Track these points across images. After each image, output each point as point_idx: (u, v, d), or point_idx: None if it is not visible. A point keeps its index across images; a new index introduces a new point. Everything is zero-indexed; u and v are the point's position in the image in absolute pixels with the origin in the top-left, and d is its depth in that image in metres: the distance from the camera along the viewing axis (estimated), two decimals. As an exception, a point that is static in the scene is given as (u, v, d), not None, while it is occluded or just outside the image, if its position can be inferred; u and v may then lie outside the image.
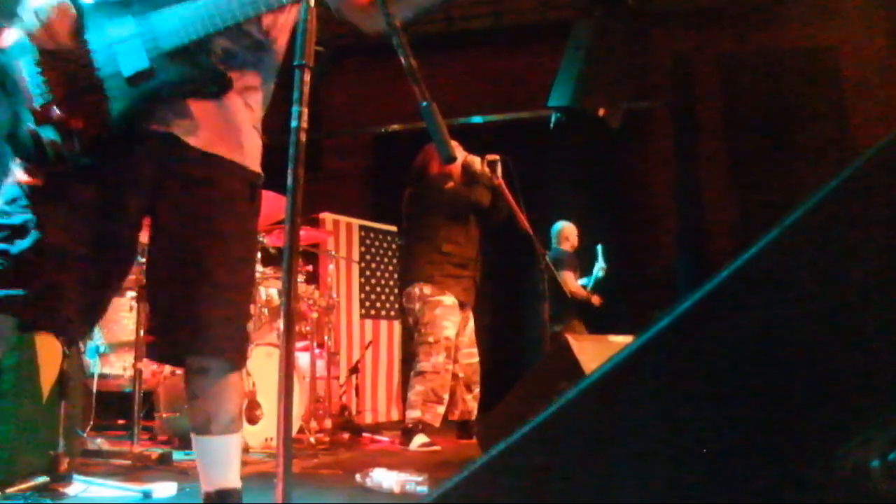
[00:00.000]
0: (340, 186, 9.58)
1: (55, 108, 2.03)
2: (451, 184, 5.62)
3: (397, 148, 8.64)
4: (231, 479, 2.22)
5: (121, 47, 2.05)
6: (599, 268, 7.83)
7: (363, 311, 8.09)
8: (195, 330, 2.15)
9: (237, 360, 2.27)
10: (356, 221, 8.22)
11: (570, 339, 3.87)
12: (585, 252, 7.89)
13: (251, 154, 2.29)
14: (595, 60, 7.25)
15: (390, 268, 8.47)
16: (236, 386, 2.29)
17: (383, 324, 8.29)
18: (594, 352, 3.80)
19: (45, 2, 2.00)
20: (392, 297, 8.42)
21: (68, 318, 2.10)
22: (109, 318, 5.11)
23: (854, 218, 0.94)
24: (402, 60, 1.89)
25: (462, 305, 5.58)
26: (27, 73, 2.06)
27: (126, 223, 2.19)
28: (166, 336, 2.22)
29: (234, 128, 2.24)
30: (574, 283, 7.48)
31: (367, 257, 8.28)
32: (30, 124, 2.04)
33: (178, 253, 2.16)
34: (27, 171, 2.08)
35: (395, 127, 9.48)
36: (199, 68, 2.10)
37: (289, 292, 1.57)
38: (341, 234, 7.99)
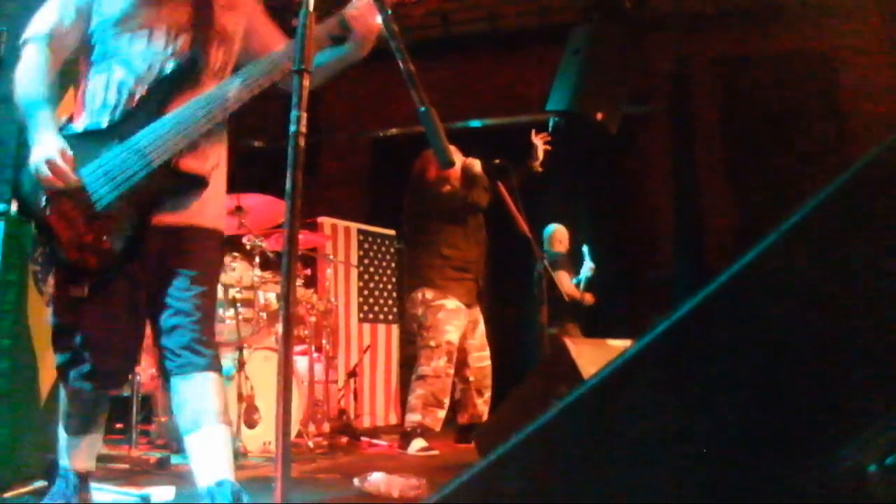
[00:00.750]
0: (339, 190, 9.58)
1: (82, 236, 2.48)
2: (448, 187, 5.63)
3: (395, 152, 8.64)
4: (227, 470, 2.54)
5: (115, 172, 2.49)
6: (588, 268, 7.82)
7: (361, 314, 8.08)
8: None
9: (215, 363, 2.66)
10: (354, 225, 8.22)
11: (568, 342, 3.88)
12: (574, 253, 7.90)
13: (220, 216, 2.82)
14: (593, 65, 7.25)
15: (388, 272, 8.47)
16: (219, 384, 2.66)
17: (381, 327, 8.28)
18: (592, 356, 3.80)
19: (50, 147, 2.43)
20: (390, 301, 8.41)
21: (123, 372, 2.81)
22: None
23: (851, 223, 0.94)
24: (401, 65, 1.90)
25: (468, 307, 5.57)
26: (49, 210, 2.49)
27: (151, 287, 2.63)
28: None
29: (207, 205, 2.69)
30: (569, 285, 7.49)
31: (366, 261, 8.27)
32: (67, 252, 2.49)
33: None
34: (71, 287, 2.52)
35: (394, 131, 9.49)
36: (181, 177, 2.58)
37: (287, 297, 1.57)
38: (339, 238, 7.99)
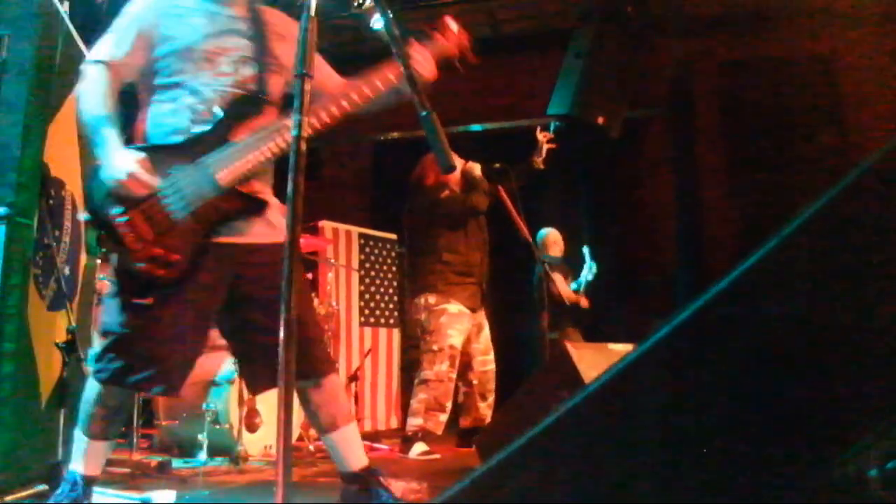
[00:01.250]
0: (340, 194, 9.59)
1: (151, 247, 2.61)
2: (447, 192, 5.63)
3: (396, 155, 8.64)
4: (364, 457, 2.97)
5: (187, 190, 2.66)
6: (588, 269, 7.80)
7: (362, 318, 8.08)
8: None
9: (336, 368, 3.00)
10: (356, 229, 8.22)
11: (570, 347, 3.88)
12: (573, 255, 7.88)
13: (280, 226, 2.84)
14: (594, 69, 7.27)
15: (389, 276, 8.47)
16: (341, 384, 3.04)
17: (382, 331, 8.29)
18: (593, 360, 3.81)
19: (128, 160, 2.58)
20: (391, 305, 8.42)
21: (181, 378, 2.79)
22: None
23: (849, 229, 0.94)
24: (402, 69, 1.91)
25: (472, 311, 5.56)
26: (121, 221, 2.61)
27: (211, 308, 2.81)
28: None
29: (266, 219, 2.87)
30: (565, 288, 7.46)
31: (367, 265, 8.28)
32: (134, 263, 2.62)
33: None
34: (137, 294, 2.66)
35: (395, 135, 9.50)
36: (246, 199, 2.78)
37: (288, 301, 1.57)
38: (341, 242, 8.00)
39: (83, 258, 4.16)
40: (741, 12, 8.84)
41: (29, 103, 3.17)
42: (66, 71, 3.54)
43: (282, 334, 1.60)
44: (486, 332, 5.71)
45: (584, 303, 7.57)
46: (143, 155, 2.63)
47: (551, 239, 7.69)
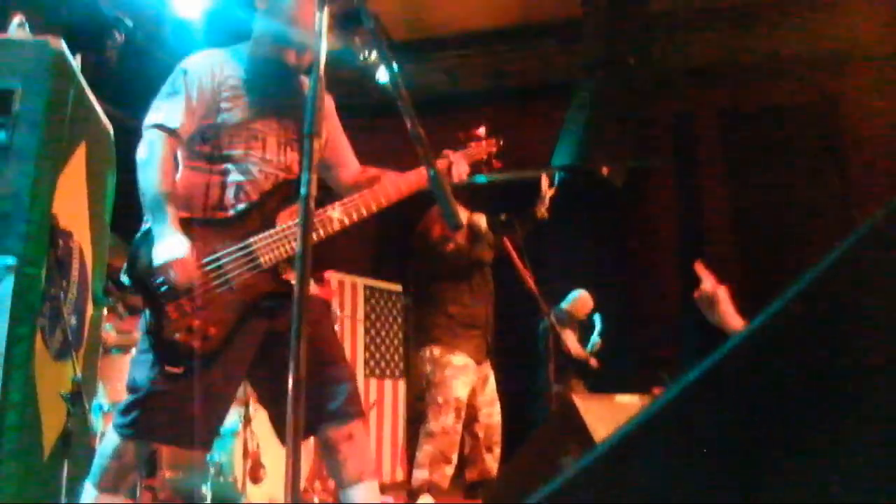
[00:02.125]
0: (345, 245, 9.60)
1: (190, 319, 2.67)
2: (452, 245, 5.64)
3: (402, 206, 8.67)
4: None
5: (229, 268, 2.77)
6: (595, 340, 7.83)
7: (368, 370, 8.06)
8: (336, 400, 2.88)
9: (365, 416, 3.01)
10: (361, 280, 8.23)
11: (576, 399, 3.86)
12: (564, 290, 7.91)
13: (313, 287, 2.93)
14: (598, 119, 7.33)
15: (395, 327, 8.46)
16: (368, 435, 3.04)
17: (388, 383, 8.25)
18: (601, 412, 3.78)
19: (180, 246, 2.68)
20: (397, 357, 8.39)
21: (210, 438, 2.90)
22: (113, 376, 5.10)
23: (860, 286, 0.94)
24: (408, 123, 1.93)
25: (478, 363, 5.54)
26: (163, 290, 2.70)
27: (243, 369, 2.90)
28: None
29: None
30: (574, 343, 7.47)
31: (372, 316, 8.27)
32: (174, 333, 2.67)
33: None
34: (170, 360, 2.71)
35: (400, 186, 9.54)
36: (284, 284, 2.86)
37: (297, 358, 1.58)
38: (346, 293, 8.00)
39: (89, 309, 4.16)
40: (743, 60, 8.92)
41: (39, 155, 3.19)
42: (76, 123, 3.57)
43: (290, 386, 1.60)
44: (492, 383, 5.68)
45: (592, 362, 7.57)
46: (189, 245, 2.71)
47: (581, 300, 7.75)
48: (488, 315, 5.68)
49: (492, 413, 5.61)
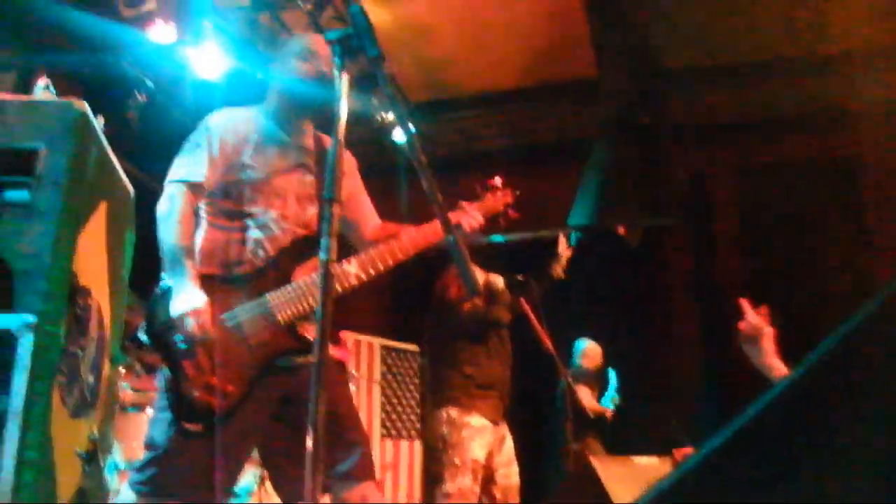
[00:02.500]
0: (361, 305, 9.60)
1: (208, 377, 2.70)
2: (469, 306, 5.64)
3: (418, 266, 8.68)
4: None
5: (246, 325, 2.78)
6: (613, 395, 7.77)
7: (384, 431, 8.00)
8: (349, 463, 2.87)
9: (378, 479, 3.01)
10: (377, 340, 8.21)
11: (594, 461, 3.83)
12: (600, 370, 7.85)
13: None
14: (614, 179, 7.36)
15: (411, 387, 8.42)
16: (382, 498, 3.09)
17: (404, 444, 8.19)
18: (618, 474, 3.76)
19: (197, 300, 2.72)
20: (413, 417, 8.34)
21: (223, 494, 2.84)
22: (129, 434, 5.10)
23: (871, 360, 0.94)
24: (424, 183, 1.95)
25: (494, 424, 5.50)
26: (180, 347, 2.74)
27: (258, 429, 2.90)
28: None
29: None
30: (590, 400, 7.42)
31: (388, 377, 8.24)
32: (192, 390, 2.70)
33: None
34: (187, 417, 2.74)
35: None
36: (301, 340, 2.85)
37: (315, 422, 1.58)
38: (362, 354, 7.98)
39: (107, 367, 4.17)
40: (757, 116, 8.96)
41: (61, 214, 3.23)
42: (97, 182, 3.62)
43: (309, 444, 1.60)
44: (509, 444, 5.63)
45: (608, 414, 7.51)
46: (206, 300, 2.75)
47: (588, 352, 7.70)
48: (505, 375, 5.65)
49: (509, 474, 5.55)
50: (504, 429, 5.62)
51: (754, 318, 2.78)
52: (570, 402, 5.64)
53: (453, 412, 5.43)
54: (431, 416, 5.76)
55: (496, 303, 5.57)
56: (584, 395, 7.29)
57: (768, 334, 2.75)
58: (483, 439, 5.39)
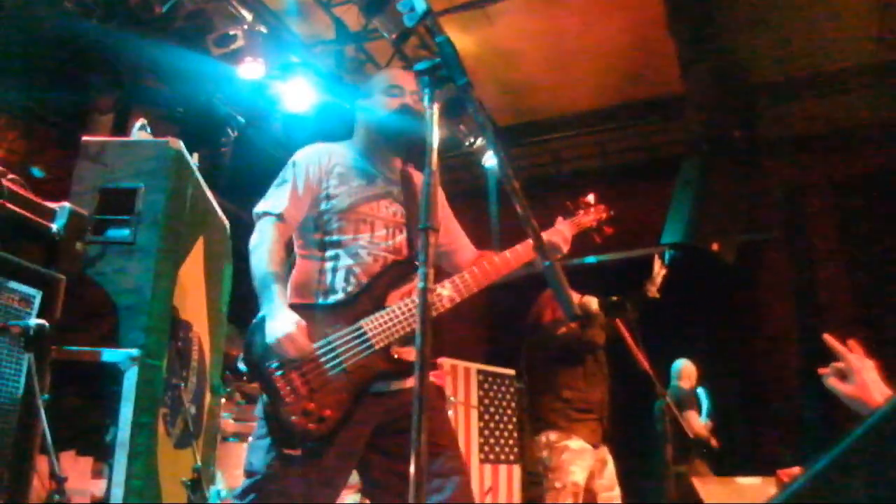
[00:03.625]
0: (458, 330, 9.64)
1: (306, 402, 2.72)
2: (564, 329, 5.60)
3: (512, 291, 8.67)
4: None
5: (341, 350, 2.78)
6: (705, 420, 7.62)
7: (482, 455, 7.98)
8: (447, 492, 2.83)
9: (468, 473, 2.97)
10: (474, 366, 8.21)
11: (696, 482, 3.76)
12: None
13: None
14: (705, 195, 7.24)
15: (509, 412, 8.38)
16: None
17: (503, 468, 8.15)
18: (721, 495, 3.68)
19: (289, 322, 2.71)
20: (511, 441, 8.29)
21: None
22: (230, 463, 5.19)
23: None
24: (517, 207, 1.95)
25: (594, 447, 5.44)
26: (278, 374, 2.74)
27: (357, 453, 2.88)
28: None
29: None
30: (697, 423, 7.28)
31: (486, 401, 8.22)
32: (289, 415, 2.70)
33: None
34: (286, 443, 2.74)
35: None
36: (397, 363, 2.86)
37: (418, 450, 1.58)
38: (459, 379, 7.99)
39: (208, 397, 4.26)
40: (849, 127, 8.74)
41: (160, 250, 3.33)
42: (195, 218, 3.72)
43: (412, 470, 1.61)
44: (611, 467, 5.56)
45: (713, 443, 7.36)
46: (300, 319, 2.75)
47: (684, 372, 7.58)
48: (603, 398, 5.59)
49: (611, 497, 5.47)
50: (605, 452, 5.55)
51: (853, 358, 2.62)
52: (671, 423, 5.53)
53: (552, 436, 5.39)
54: (530, 440, 5.74)
55: (591, 325, 5.52)
56: (692, 418, 7.16)
57: (870, 367, 2.58)
58: (584, 462, 5.34)
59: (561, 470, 5.29)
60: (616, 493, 5.49)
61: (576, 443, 5.33)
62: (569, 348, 5.52)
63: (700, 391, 7.70)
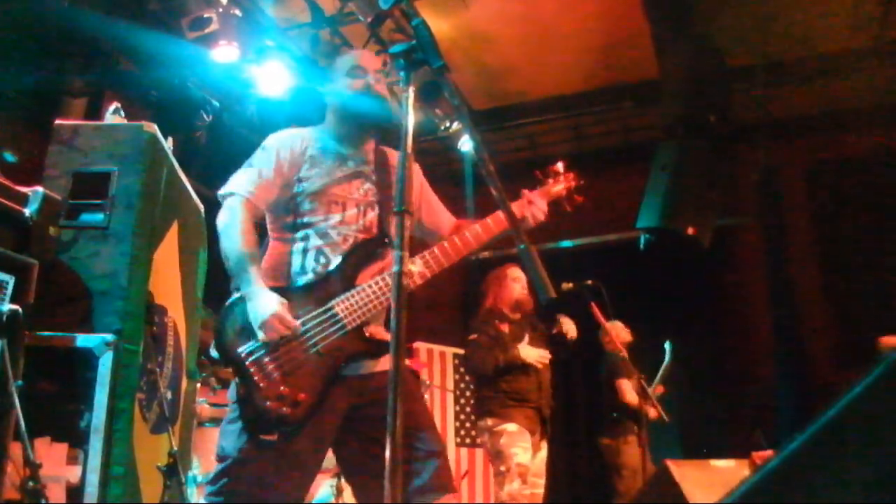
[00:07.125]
0: (434, 315, 9.63)
1: (279, 386, 2.70)
2: (497, 359, 5.56)
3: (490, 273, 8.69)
4: None
5: (313, 332, 2.78)
6: (664, 366, 7.10)
7: (458, 439, 8.02)
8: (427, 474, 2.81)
9: (457, 490, 2.93)
10: (450, 350, 8.23)
11: (671, 465, 3.79)
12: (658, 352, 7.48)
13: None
14: (681, 180, 7.26)
15: (484, 394, 8.42)
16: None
17: (479, 452, 8.19)
18: (696, 478, 3.71)
19: (272, 301, 2.72)
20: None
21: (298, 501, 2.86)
22: (207, 448, 5.17)
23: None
24: (493, 190, 1.95)
25: (531, 433, 5.47)
26: (251, 359, 2.74)
27: (330, 437, 2.88)
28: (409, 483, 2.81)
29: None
30: (630, 392, 6.69)
31: (462, 385, 8.25)
32: (264, 400, 2.70)
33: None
34: (261, 429, 2.72)
35: (487, 254, 9.59)
36: (370, 342, 2.86)
37: (394, 434, 1.58)
38: (435, 363, 8.01)
39: (184, 383, 4.25)
40: (825, 112, 8.79)
41: (135, 234, 3.30)
42: (169, 202, 3.69)
43: (388, 455, 1.61)
44: (542, 455, 5.60)
45: (651, 413, 6.48)
46: (283, 299, 2.75)
47: (611, 331, 6.63)
48: (542, 389, 5.61)
49: (536, 483, 5.50)
50: (539, 441, 5.57)
51: None
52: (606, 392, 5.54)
53: (490, 421, 5.51)
54: (475, 427, 5.80)
55: (563, 350, 5.62)
56: (625, 386, 6.81)
57: None
58: (524, 443, 5.40)
59: (502, 453, 5.36)
60: (541, 482, 5.53)
61: (512, 426, 5.38)
62: (497, 372, 5.53)
63: (667, 344, 7.22)
